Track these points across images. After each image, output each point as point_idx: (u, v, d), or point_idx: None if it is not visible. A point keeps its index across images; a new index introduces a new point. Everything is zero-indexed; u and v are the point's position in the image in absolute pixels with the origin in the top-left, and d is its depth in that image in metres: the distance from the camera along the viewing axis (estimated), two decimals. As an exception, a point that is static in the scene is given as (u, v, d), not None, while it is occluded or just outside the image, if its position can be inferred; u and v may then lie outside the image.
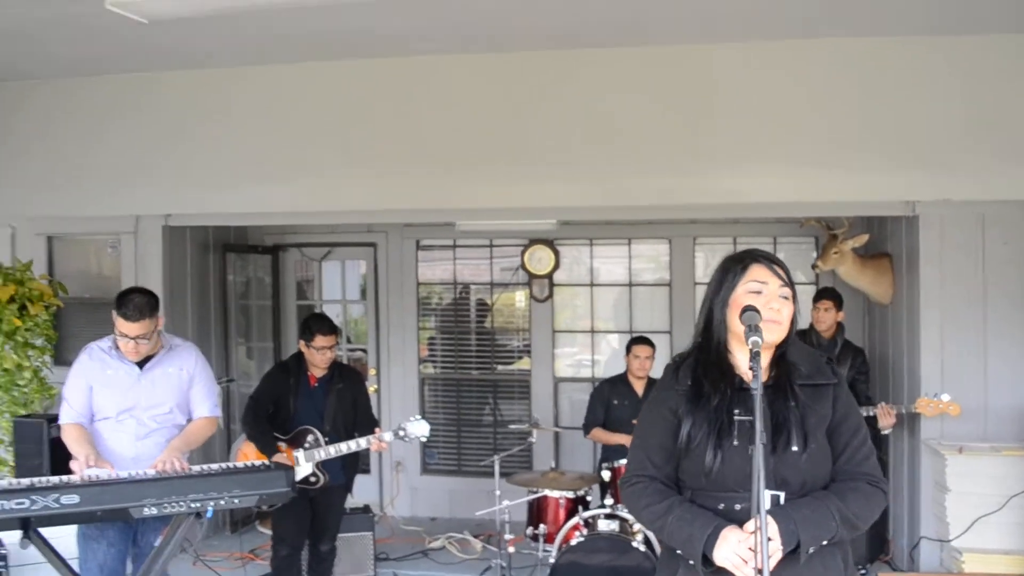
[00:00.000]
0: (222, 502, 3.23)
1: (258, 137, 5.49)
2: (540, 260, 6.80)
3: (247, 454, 4.53)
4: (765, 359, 2.15)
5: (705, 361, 2.19)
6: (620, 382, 5.46)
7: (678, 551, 2.11)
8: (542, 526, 4.86)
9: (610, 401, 5.43)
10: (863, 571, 5.24)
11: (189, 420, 3.85)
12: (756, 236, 6.66)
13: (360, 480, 6.97)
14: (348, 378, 4.81)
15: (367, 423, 4.69)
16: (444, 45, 5.00)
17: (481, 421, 7.13)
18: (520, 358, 7.07)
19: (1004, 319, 5.11)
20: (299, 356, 4.74)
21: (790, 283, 2.17)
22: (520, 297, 7.06)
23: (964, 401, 5.00)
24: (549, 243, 6.80)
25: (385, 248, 7.05)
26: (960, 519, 4.91)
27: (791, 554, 2.00)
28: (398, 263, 7.04)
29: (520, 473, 5.49)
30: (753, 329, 2.03)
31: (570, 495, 4.89)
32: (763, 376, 2.10)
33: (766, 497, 1.94)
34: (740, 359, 2.19)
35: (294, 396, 4.64)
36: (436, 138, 5.34)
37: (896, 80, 4.91)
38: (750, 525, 1.95)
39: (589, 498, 4.98)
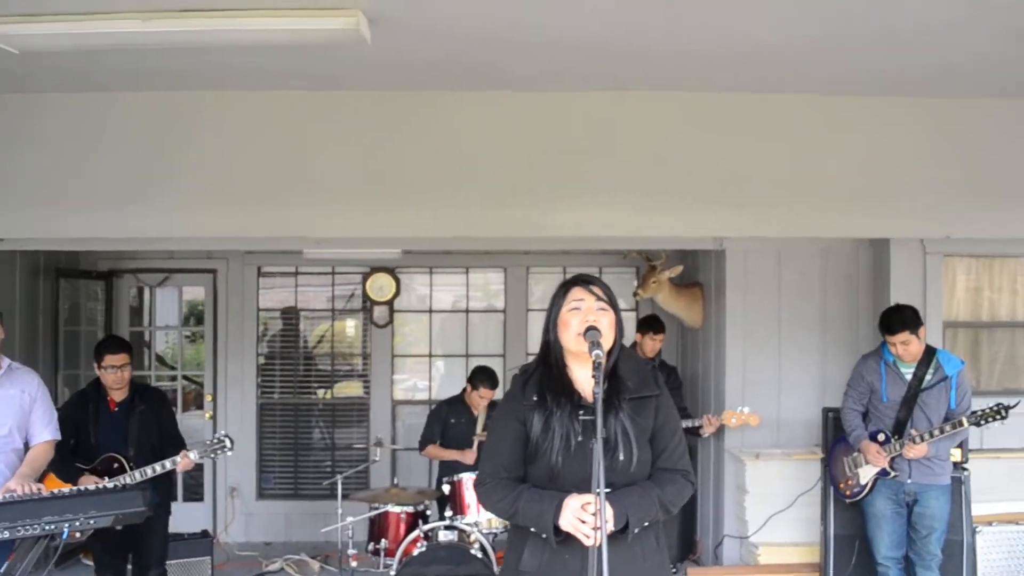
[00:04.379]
0: (77, 523, 3.25)
1: (93, 161, 5.32)
2: (382, 288, 7.05)
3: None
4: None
5: (548, 377, 2.54)
6: (458, 402, 5.75)
7: (531, 529, 2.43)
8: (383, 541, 5.03)
9: (447, 420, 5.70)
10: (675, 570, 5.78)
11: (25, 444, 3.81)
12: (583, 266, 7.19)
13: (193, 507, 6.98)
14: (150, 400, 4.73)
15: (174, 444, 4.63)
16: (293, 81, 5.13)
17: (317, 444, 7.24)
18: (359, 382, 7.25)
19: (796, 341, 5.84)
20: (97, 382, 4.63)
21: (608, 300, 2.53)
22: (353, 325, 7.26)
23: (761, 413, 5.65)
24: (391, 271, 7.06)
25: (225, 274, 7.06)
26: (757, 517, 5.57)
27: (620, 532, 2.37)
28: (239, 290, 7.07)
29: (360, 492, 5.66)
30: (595, 344, 2.39)
31: (411, 509, 5.11)
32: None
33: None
34: (577, 374, 2.55)
35: (94, 423, 4.52)
36: (281, 168, 5.35)
37: (710, 130, 5.41)
38: (589, 499, 2.29)
39: (428, 512, 5.24)
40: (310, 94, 5.29)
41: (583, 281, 2.56)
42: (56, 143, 5.36)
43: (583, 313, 2.48)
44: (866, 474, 4.65)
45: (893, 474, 4.54)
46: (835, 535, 5.08)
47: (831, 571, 5.08)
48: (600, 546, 2.18)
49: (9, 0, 2.98)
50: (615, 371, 2.53)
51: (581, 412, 2.46)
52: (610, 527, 2.31)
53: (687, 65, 4.78)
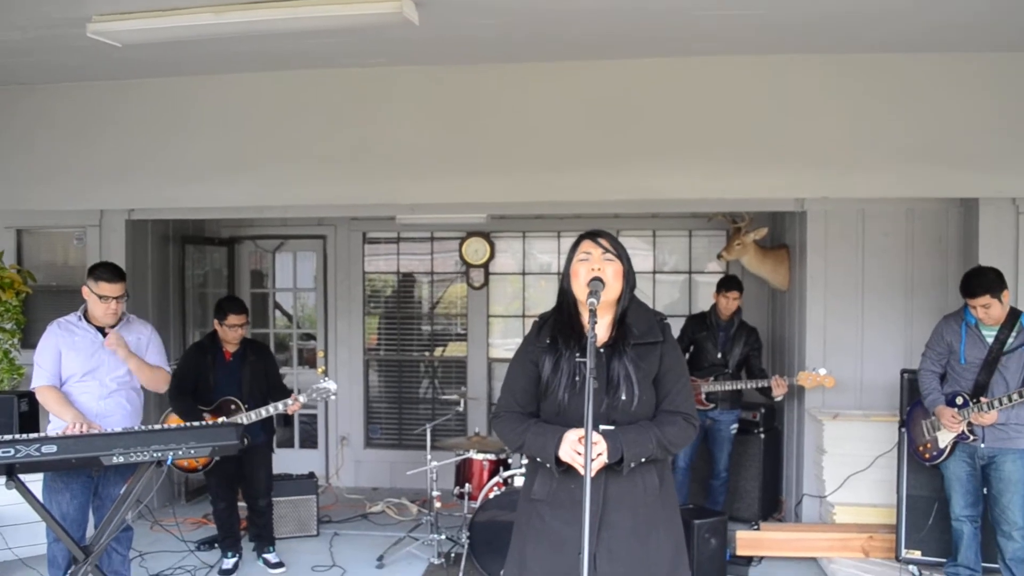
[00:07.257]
0: (180, 452, 3.75)
1: (216, 138, 5.89)
2: (476, 251, 7.40)
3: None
4: (608, 317, 2.76)
5: (560, 322, 2.79)
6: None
7: (537, 459, 2.70)
8: (467, 486, 5.41)
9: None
10: (755, 527, 5.90)
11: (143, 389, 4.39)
12: (672, 229, 7.31)
13: (308, 453, 7.61)
14: (259, 352, 5.43)
15: (279, 390, 5.32)
16: (386, 59, 5.48)
17: (420, 399, 7.71)
18: (458, 342, 7.65)
19: (879, 303, 5.81)
20: (213, 335, 5.33)
21: (615, 251, 2.75)
22: (451, 287, 7.64)
23: (841, 375, 5.69)
24: (485, 235, 7.40)
25: (334, 240, 7.60)
26: (835, 477, 5.62)
27: (617, 465, 2.60)
28: (346, 254, 7.59)
29: (446, 440, 6.05)
30: (593, 293, 2.64)
31: (492, 457, 5.45)
32: (604, 335, 2.74)
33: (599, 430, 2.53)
34: (586, 319, 2.77)
35: (212, 371, 5.23)
36: (381, 139, 5.77)
37: (788, 92, 5.46)
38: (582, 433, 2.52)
39: (510, 461, 5.56)
40: (393, 69, 5.64)
41: (591, 235, 2.80)
42: (170, 125, 5.94)
43: (590, 263, 2.73)
44: (944, 438, 4.63)
45: (972, 438, 4.51)
46: (913, 496, 5.08)
47: (903, 531, 5.10)
48: (593, 476, 2.44)
49: (107, 1, 3.47)
50: (623, 318, 2.75)
51: (578, 355, 2.68)
52: (604, 460, 2.55)
53: (761, 28, 4.81)
